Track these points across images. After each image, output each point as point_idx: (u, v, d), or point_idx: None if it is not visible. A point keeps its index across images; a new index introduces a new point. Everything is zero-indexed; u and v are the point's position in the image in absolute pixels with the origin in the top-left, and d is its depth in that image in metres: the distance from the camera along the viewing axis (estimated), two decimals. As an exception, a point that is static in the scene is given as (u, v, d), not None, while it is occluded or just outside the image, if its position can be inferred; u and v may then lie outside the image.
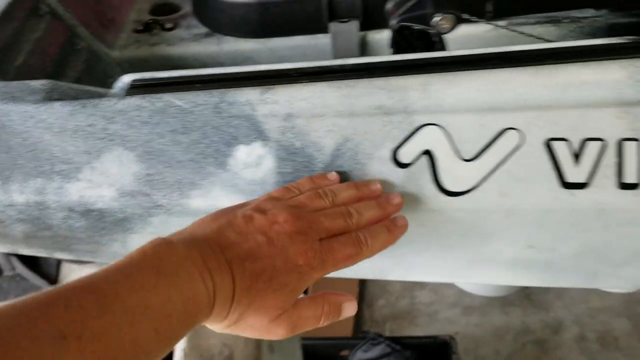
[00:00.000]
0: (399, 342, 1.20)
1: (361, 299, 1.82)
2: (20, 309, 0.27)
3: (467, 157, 0.48)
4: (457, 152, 0.48)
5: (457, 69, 0.49)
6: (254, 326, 0.38)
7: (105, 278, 0.31)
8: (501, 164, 0.48)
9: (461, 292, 1.81)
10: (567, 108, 0.48)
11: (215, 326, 0.39)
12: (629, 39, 0.50)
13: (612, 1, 0.76)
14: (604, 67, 0.48)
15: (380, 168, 0.48)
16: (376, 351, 1.19)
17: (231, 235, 0.39)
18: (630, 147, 0.47)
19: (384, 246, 0.43)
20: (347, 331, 1.59)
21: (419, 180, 0.48)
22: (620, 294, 1.78)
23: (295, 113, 0.48)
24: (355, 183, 0.46)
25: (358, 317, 1.75)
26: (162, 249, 0.35)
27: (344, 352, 1.30)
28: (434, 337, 1.25)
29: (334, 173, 0.46)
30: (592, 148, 0.47)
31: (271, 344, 0.82)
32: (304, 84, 0.49)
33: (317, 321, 0.41)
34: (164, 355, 0.33)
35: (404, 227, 0.44)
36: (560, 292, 1.82)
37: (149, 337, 0.30)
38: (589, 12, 0.76)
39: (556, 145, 0.47)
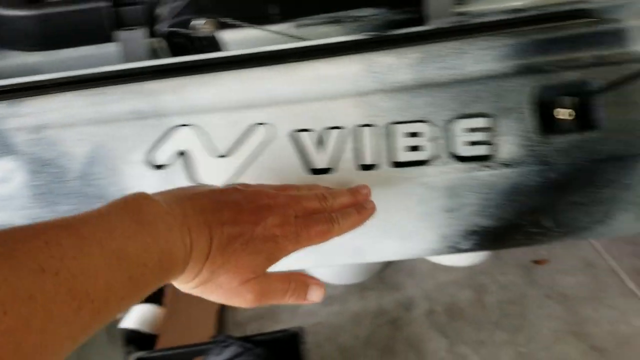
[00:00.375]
0: (250, 341, 1.23)
1: (223, 305, 1.82)
2: (2, 240, 0.27)
3: (221, 154, 0.51)
4: (211, 150, 0.51)
5: (211, 70, 0.52)
6: (223, 286, 0.39)
7: (85, 221, 0.31)
8: (254, 157, 0.51)
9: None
10: (311, 101, 0.52)
11: (184, 285, 0.39)
12: (367, 35, 0.56)
13: (388, 0, 0.84)
14: (343, 62, 0.53)
15: (136, 172, 0.49)
16: (228, 353, 1.21)
17: (214, 200, 0.40)
18: (366, 132, 0.53)
19: (353, 226, 0.46)
20: (209, 337, 1.59)
21: (175, 180, 0.50)
22: (465, 267, 1.95)
23: (45, 124, 0.48)
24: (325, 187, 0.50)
25: (220, 322, 1.75)
26: (143, 200, 0.35)
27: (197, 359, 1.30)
28: (284, 331, 1.29)
29: None
30: (334, 136, 0.52)
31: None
32: (54, 94, 0.49)
33: (283, 295, 0.42)
34: (135, 303, 0.33)
35: (371, 210, 0.48)
36: (411, 270, 1.95)
37: (122, 283, 0.30)
38: (368, 11, 0.83)
39: (301, 135, 0.52)
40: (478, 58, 0.55)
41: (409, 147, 0.53)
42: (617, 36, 0.56)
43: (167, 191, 0.40)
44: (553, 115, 0.55)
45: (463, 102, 0.54)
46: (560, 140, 0.55)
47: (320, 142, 0.52)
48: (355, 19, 0.84)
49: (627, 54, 0.56)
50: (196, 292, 0.40)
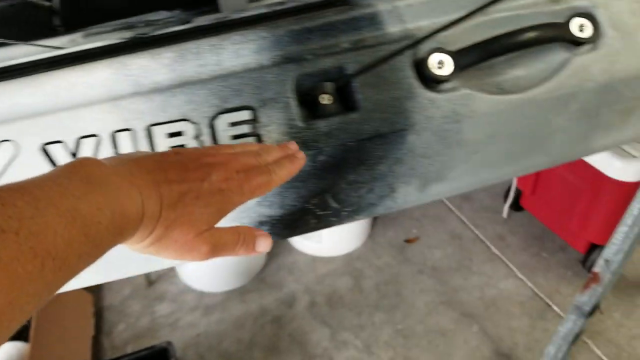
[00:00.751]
0: (115, 363, 1.19)
1: (98, 330, 1.75)
2: None
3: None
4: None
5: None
6: (178, 241, 0.40)
7: (37, 184, 0.32)
8: (1, 175, 0.49)
9: (201, 294, 1.86)
10: (60, 111, 0.51)
11: (139, 245, 0.40)
12: (119, 40, 0.55)
13: (181, 2, 0.83)
14: (93, 68, 0.52)
15: None
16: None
17: (158, 161, 0.42)
18: (123, 137, 0.52)
19: (289, 175, 0.50)
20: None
21: None
22: (342, 255, 2.00)
23: None
24: (256, 143, 0.54)
25: (96, 348, 1.68)
26: (90, 162, 0.36)
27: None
28: (151, 348, 1.26)
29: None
30: (89, 145, 0.51)
31: None
32: None
33: (234, 246, 0.44)
34: (94, 261, 0.34)
35: (303, 159, 0.52)
36: (291, 267, 1.98)
37: (79, 241, 0.32)
38: (162, 14, 0.83)
39: (52, 148, 0.50)
40: (235, 53, 0.56)
41: (172, 147, 0.54)
42: (370, 20, 0.60)
43: (111, 157, 0.41)
44: (318, 101, 0.57)
45: (224, 97, 0.55)
46: (324, 125, 0.57)
47: (74, 154, 0.51)
48: (149, 23, 0.83)
49: (381, 36, 0.60)
50: (151, 250, 0.41)
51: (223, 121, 0.55)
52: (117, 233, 0.36)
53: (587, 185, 1.64)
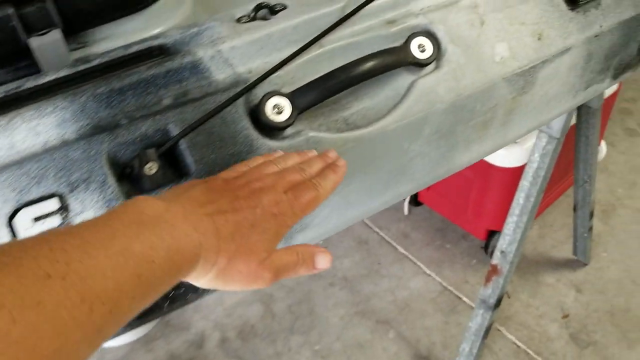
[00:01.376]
0: None
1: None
2: (5, 250, 0.28)
3: None
4: None
5: None
6: (243, 272, 0.41)
7: (87, 227, 0.32)
8: None
9: (102, 351, 1.72)
10: None
11: (203, 279, 0.40)
12: None
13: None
14: None
15: None
16: None
17: (211, 194, 0.42)
18: None
19: (334, 185, 0.49)
20: None
21: None
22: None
23: None
24: (295, 152, 0.53)
25: None
26: (142, 203, 0.37)
27: None
28: None
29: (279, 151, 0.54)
30: None
31: None
32: None
33: (295, 267, 0.45)
34: (150, 302, 0.33)
35: (344, 166, 0.51)
36: (196, 305, 1.88)
37: (132, 282, 0.31)
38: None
39: None
40: (31, 131, 0.48)
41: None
42: (192, 70, 0.54)
43: (163, 193, 0.43)
44: (142, 173, 0.50)
45: (22, 188, 0.47)
46: (153, 198, 0.51)
47: None
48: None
49: (207, 86, 0.54)
50: (217, 283, 0.41)
51: (24, 218, 0.47)
52: (174, 271, 0.36)
53: (478, 174, 1.68)
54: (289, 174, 0.48)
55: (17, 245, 0.29)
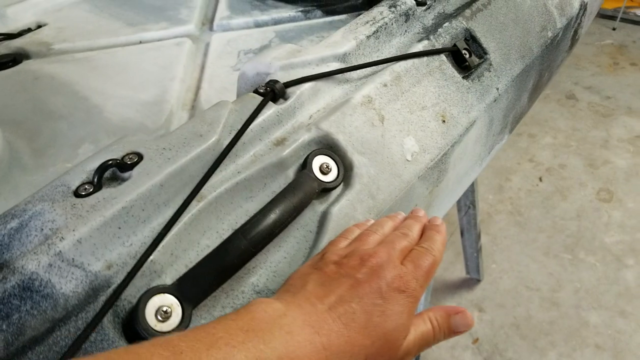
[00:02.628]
0: None
1: None
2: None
3: None
4: None
5: None
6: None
7: (185, 335, 0.31)
8: None
9: None
10: None
11: None
12: None
13: None
14: None
15: None
16: None
17: (327, 283, 0.39)
18: None
19: (443, 245, 0.45)
20: None
21: None
22: None
23: None
24: (386, 216, 0.50)
25: None
26: (256, 307, 0.35)
27: None
28: None
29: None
30: None
31: None
32: None
33: (432, 335, 0.41)
34: None
35: (443, 224, 0.48)
36: None
37: None
38: None
39: None
40: None
41: None
42: (24, 290, 0.37)
43: (283, 290, 0.40)
44: None
45: None
46: None
47: None
48: None
49: (50, 310, 0.37)
50: None
51: None
52: None
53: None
54: (398, 242, 0.43)
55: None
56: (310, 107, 0.54)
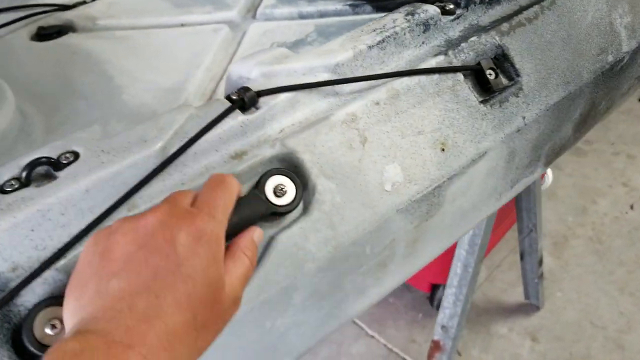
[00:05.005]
0: None
1: None
2: None
3: None
4: None
5: None
6: (223, 315, 0.37)
7: None
8: None
9: None
10: None
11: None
12: None
13: None
14: None
15: None
16: None
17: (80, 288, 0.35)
18: None
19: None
20: None
21: None
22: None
23: None
24: None
25: None
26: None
27: None
28: None
29: None
30: None
31: None
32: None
33: (250, 269, 0.40)
34: None
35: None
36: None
37: None
38: None
39: None
40: None
41: None
42: None
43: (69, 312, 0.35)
44: None
45: None
46: None
47: None
48: None
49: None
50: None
51: None
52: None
53: (415, 223, 1.55)
54: (163, 205, 0.38)
55: None
56: (283, 120, 0.50)
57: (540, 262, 1.54)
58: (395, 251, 0.54)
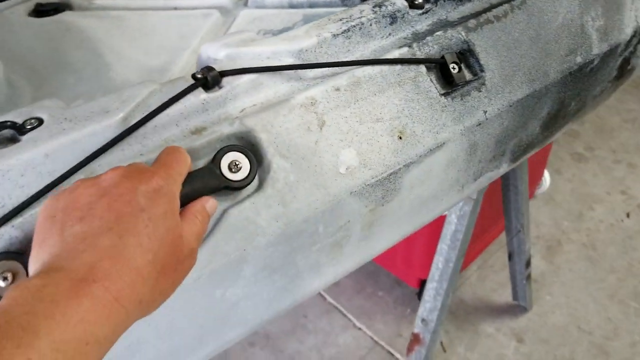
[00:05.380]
0: None
1: None
2: None
3: None
4: None
5: None
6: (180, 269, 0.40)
7: None
8: None
9: None
10: None
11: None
12: None
13: None
14: None
15: None
16: None
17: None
18: None
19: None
20: None
21: None
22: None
23: None
24: None
25: None
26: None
27: None
28: None
29: None
30: None
31: None
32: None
33: (202, 231, 0.42)
34: None
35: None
36: None
37: None
38: None
39: None
40: None
41: None
42: None
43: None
44: None
45: None
46: None
47: None
48: None
49: None
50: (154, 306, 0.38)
51: None
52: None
53: (406, 219, 1.57)
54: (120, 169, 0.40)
55: None
56: (245, 100, 0.52)
57: (528, 263, 1.55)
58: (351, 233, 0.57)
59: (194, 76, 0.52)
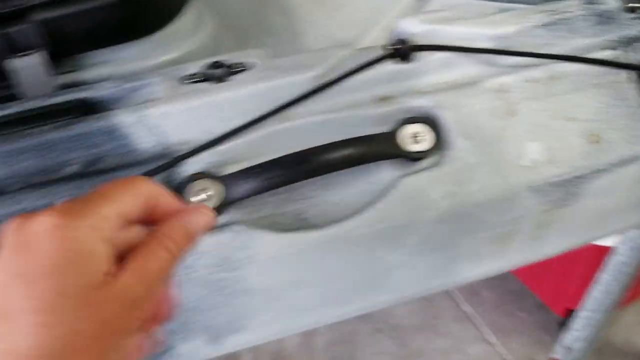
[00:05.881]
0: None
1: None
2: None
3: None
4: None
5: None
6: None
7: None
8: None
9: None
10: None
11: None
12: None
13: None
14: None
15: None
16: None
17: None
18: None
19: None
20: None
21: None
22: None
23: None
24: None
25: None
26: None
27: None
28: None
29: None
30: None
31: None
32: None
33: (170, 264, 0.31)
34: None
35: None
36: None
37: None
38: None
39: None
40: None
41: None
42: (108, 135, 0.46)
43: None
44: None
45: None
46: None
47: None
48: None
49: (125, 155, 0.46)
50: None
51: None
52: None
53: (565, 241, 1.47)
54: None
55: None
56: (434, 77, 0.53)
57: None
58: (520, 229, 0.55)
59: (387, 47, 0.53)
